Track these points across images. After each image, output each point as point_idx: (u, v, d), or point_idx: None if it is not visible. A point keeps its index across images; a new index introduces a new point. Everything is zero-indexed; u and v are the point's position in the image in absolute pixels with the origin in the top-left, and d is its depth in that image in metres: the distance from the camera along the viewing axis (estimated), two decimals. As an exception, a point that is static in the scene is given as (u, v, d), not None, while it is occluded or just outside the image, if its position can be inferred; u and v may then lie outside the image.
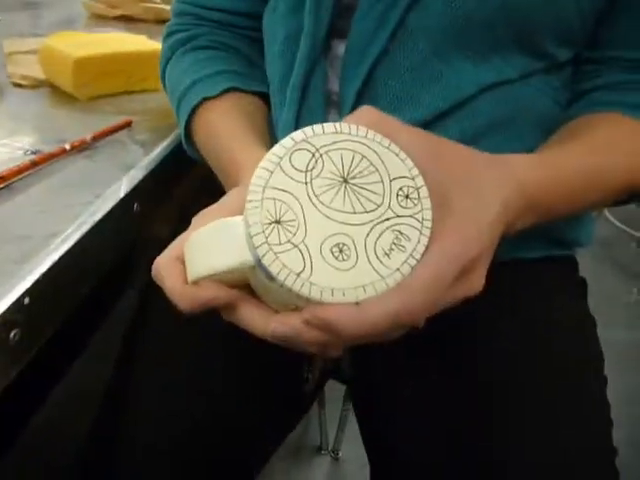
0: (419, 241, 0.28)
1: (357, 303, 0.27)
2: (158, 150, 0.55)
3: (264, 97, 0.51)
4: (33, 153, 0.51)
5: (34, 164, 0.48)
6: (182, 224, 0.35)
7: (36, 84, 0.69)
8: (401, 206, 0.28)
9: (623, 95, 0.45)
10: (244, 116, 0.47)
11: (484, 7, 0.41)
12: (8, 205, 0.43)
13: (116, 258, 0.48)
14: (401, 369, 0.49)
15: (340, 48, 0.45)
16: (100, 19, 1.08)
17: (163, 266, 0.32)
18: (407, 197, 0.29)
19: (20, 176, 0.47)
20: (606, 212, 1.92)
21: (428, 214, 0.29)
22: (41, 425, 0.52)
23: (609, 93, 0.45)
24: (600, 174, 0.41)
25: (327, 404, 1.10)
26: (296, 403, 0.54)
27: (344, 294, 0.27)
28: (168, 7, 1.09)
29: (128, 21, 1.08)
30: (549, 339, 0.48)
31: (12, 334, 0.33)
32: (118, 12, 1.08)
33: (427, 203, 0.29)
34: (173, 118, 0.64)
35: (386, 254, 0.27)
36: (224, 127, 0.46)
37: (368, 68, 0.43)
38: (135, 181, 0.49)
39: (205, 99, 0.47)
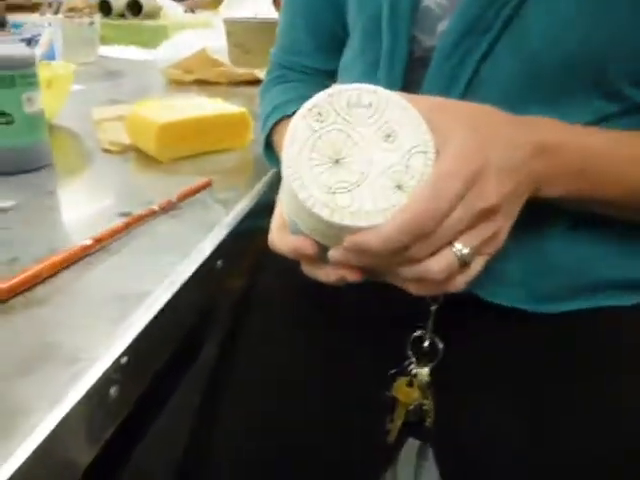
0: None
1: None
2: (238, 209, 0.57)
3: None
4: (124, 215, 0.54)
5: (126, 225, 0.51)
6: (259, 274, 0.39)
7: (123, 149, 0.73)
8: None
9: None
10: None
11: (553, 54, 0.41)
12: (104, 266, 0.46)
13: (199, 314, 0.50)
14: (489, 431, 0.47)
15: None
16: (178, 85, 1.16)
17: (272, 232, 0.41)
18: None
19: (114, 238, 0.49)
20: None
21: (431, 148, 0.33)
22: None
23: None
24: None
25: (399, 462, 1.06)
26: (378, 456, 0.53)
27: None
28: (239, 70, 1.15)
29: (203, 85, 1.15)
30: None
31: (112, 391, 0.35)
32: (193, 77, 1.15)
33: (429, 136, 0.34)
34: (249, 176, 0.67)
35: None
36: None
37: None
38: (218, 240, 0.51)
39: (283, 118, 0.57)
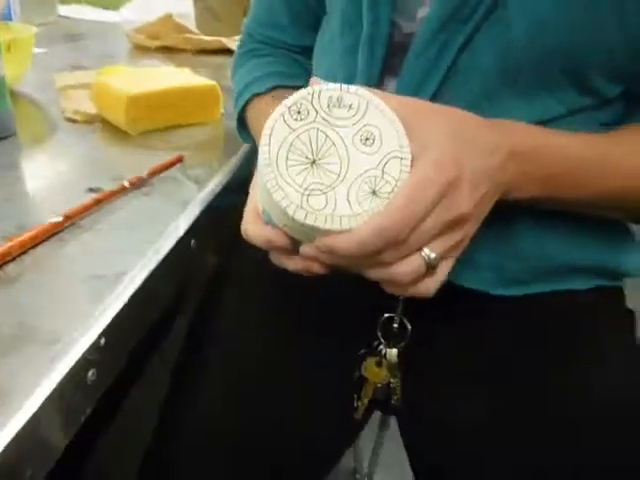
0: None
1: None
2: (211, 185, 0.57)
3: None
4: (93, 190, 0.53)
5: (97, 202, 0.50)
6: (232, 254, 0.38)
7: (88, 119, 0.71)
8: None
9: None
10: None
11: (533, 49, 0.42)
12: (76, 243, 0.45)
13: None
14: (449, 404, 0.49)
15: (392, 85, 0.47)
16: (142, 50, 1.12)
17: (245, 219, 0.40)
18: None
19: (84, 214, 0.49)
20: None
21: (408, 154, 0.34)
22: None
23: None
24: (616, 157, 0.42)
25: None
26: (346, 431, 0.55)
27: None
28: (206, 38, 1.13)
29: (169, 52, 1.11)
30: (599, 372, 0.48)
31: (90, 373, 0.35)
32: (159, 43, 1.12)
33: (407, 143, 0.34)
34: (221, 151, 0.66)
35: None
36: (265, 114, 0.53)
37: None
38: (192, 218, 0.50)
39: (255, 95, 0.57)
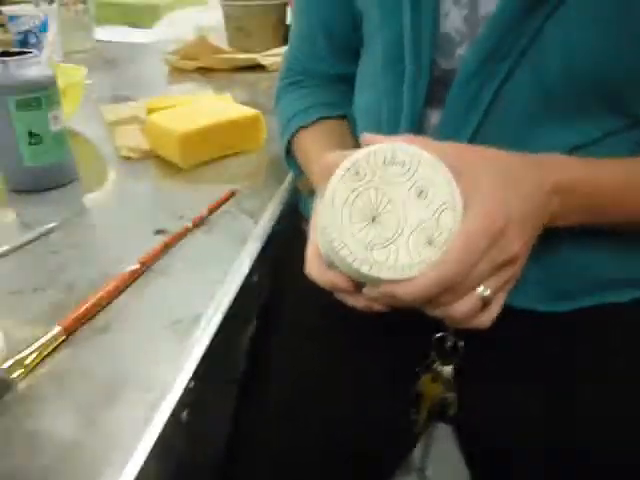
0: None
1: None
2: (265, 220, 0.61)
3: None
4: (160, 232, 0.58)
5: (166, 245, 0.55)
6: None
7: (142, 156, 0.76)
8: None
9: None
10: (328, 139, 0.59)
11: (568, 82, 0.44)
12: (152, 289, 0.50)
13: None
14: (502, 412, 0.53)
15: (435, 117, 0.50)
16: (179, 72, 1.17)
17: (309, 261, 0.43)
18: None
19: (157, 258, 0.53)
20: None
21: (459, 204, 0.37)
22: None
23: None
24: None
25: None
26: (405, 441, 0.59)
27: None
28: (240, 56, 1.16)
29: (204, 72, 1.16)
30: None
31: (184, 414, 0.40)
32: (195, 65, 1.16)
33: (457, 194, 0.37)
34: (269, 179, 0.70)
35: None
36: (312, 151, 0.59)
37: (466, 140, 0.47)
38: (253, 255, 0.55)
39: (301, 127, 0.60)
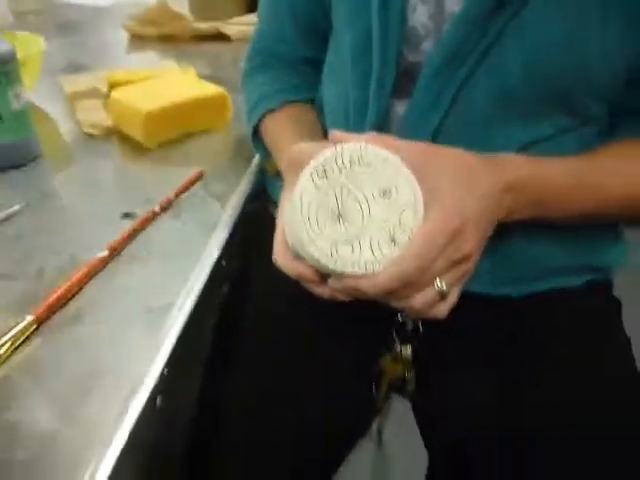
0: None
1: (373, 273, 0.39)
2: (233, 205, 0.62)
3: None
4: (128, 216, 0.58)
5: (135, 231, 0.55)
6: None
7: (105, 132, 0.75)
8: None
9: None
10: (295, 124, 0.60)
11: (526, 81, 0.47)
12: (122, 275, 0.51)
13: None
14: (456, 398, 0.56)
15: (401, 107, 0.52)
16: (139, 40, 1.14)
17: (276, 250, 0.45)
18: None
19: (125, 244, 0.54)
20: None
21: (420, 204, 0.39)
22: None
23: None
24: (595, 181, 0.48)
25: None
26: (368, 415, 0.63)
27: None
28: (202, 25, 1.14)
29: (165, 41, 1.13)
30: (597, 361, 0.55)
31: (158, 400, 0.41)
32: (155, 32, 1.14)
33: (419, 193, 0.40)
34: (236, 161, 0.71)
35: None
36: (279, 136, 0.60)
37: (429, 138, 0.49)
38: (222, 241, 0.56)
39: (269, 110, 0.62)
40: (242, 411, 0.57)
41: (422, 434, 0.61)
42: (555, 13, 0.44)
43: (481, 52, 0.46)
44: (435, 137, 0.50)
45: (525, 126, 0.49)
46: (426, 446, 0.61)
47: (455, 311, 0.52)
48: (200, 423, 0.58)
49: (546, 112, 0.49)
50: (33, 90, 0.84)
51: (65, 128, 0.78)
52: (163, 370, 0.42)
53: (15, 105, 0.64)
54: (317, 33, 0.63)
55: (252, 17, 1.16)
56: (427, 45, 0.50)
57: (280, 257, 0.45)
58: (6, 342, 0.42)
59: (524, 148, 0.50)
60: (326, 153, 0.39)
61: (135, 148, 0.72)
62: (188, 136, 0.75)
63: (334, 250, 0.39)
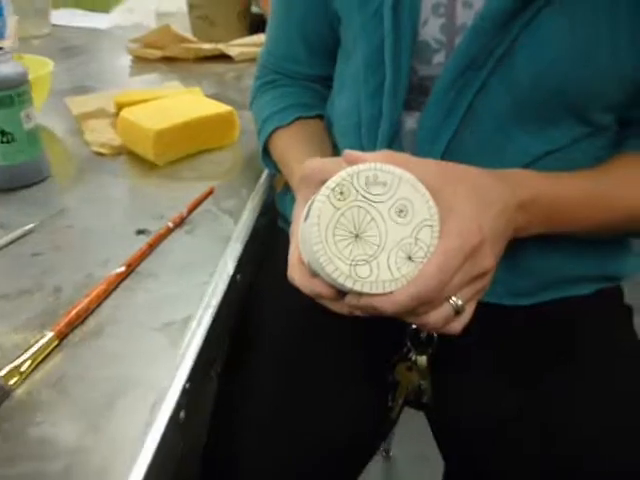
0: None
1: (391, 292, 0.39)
2: (245, 220, 0.62)
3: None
4: (141, 232, 0.59)
5: (150, 247, 0.56)
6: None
7: (114, 151, 0.76)
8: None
9: None
10: (306, 140, 0.61)
11: (538, 90, 0.48)
12: (140, 291, 0.51)
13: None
14: (473, 400, 0.56)
15: (412, 120, 0.53)
16: (143, 62, 1.15)
17: (291, 268, 0.45)
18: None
19: (141, 260, 0.54)
20: None
21: (436, 222, 0.39)
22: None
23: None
24: (603, 196, 0.49)
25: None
26: (382, 427, 0.62)
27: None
28: (205, 46, 1.16)
29: (169, 62, 1.15)
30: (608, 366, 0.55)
31: (181, 415, 0.41)
32: (159, 54, 1.15)
33: (435, 212, 0.39)
34: (246, 176, 0.71)
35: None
36: (290, 151, 0.61)
37: (442, 149, 0.50)
38: (236, 256, 0.56)
39: (278, 128, 0.62)
40: (256, 424, 0.57)
41: (439, 446, 0.61)
42: (565, 24, 0.46)
43: (494, 62, 0.47)
44: (448, 148, 0.50)
45: (538, 136, 0.50)
46: (444, 458, 0.61)
47: (469, 324, 0.53)
48: (213, 436, 0.58)
49: (558, 122, 0.50)
50: (40, 111, 0.85)
51: (73, 148, 0.79)
52: (185, 384, 0.42)
53: (26, 126, 0.65)
54: (326, 51, 0.64)
55: (254, 38, 1.18)
56: (439, 58, 0.51)
57: (297, 275, 0.45)
58: (27, 359, 0.42)
59: (541, 158, 0.51)
60: (342, 174, 0.39)
61: (144, 166, 0.73)
62: (197, 153, 0.76)
63: (352, 270, 0.39)
